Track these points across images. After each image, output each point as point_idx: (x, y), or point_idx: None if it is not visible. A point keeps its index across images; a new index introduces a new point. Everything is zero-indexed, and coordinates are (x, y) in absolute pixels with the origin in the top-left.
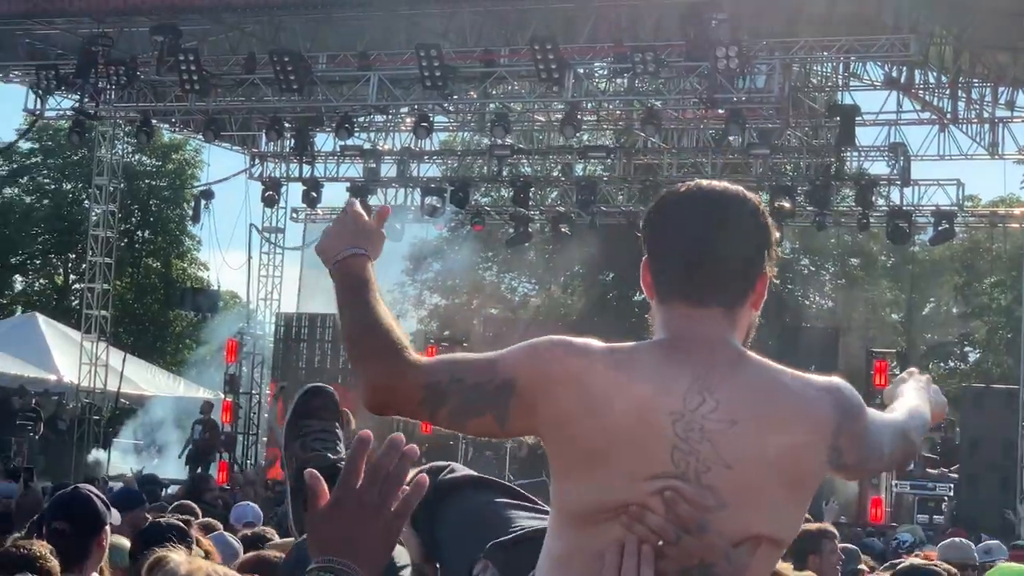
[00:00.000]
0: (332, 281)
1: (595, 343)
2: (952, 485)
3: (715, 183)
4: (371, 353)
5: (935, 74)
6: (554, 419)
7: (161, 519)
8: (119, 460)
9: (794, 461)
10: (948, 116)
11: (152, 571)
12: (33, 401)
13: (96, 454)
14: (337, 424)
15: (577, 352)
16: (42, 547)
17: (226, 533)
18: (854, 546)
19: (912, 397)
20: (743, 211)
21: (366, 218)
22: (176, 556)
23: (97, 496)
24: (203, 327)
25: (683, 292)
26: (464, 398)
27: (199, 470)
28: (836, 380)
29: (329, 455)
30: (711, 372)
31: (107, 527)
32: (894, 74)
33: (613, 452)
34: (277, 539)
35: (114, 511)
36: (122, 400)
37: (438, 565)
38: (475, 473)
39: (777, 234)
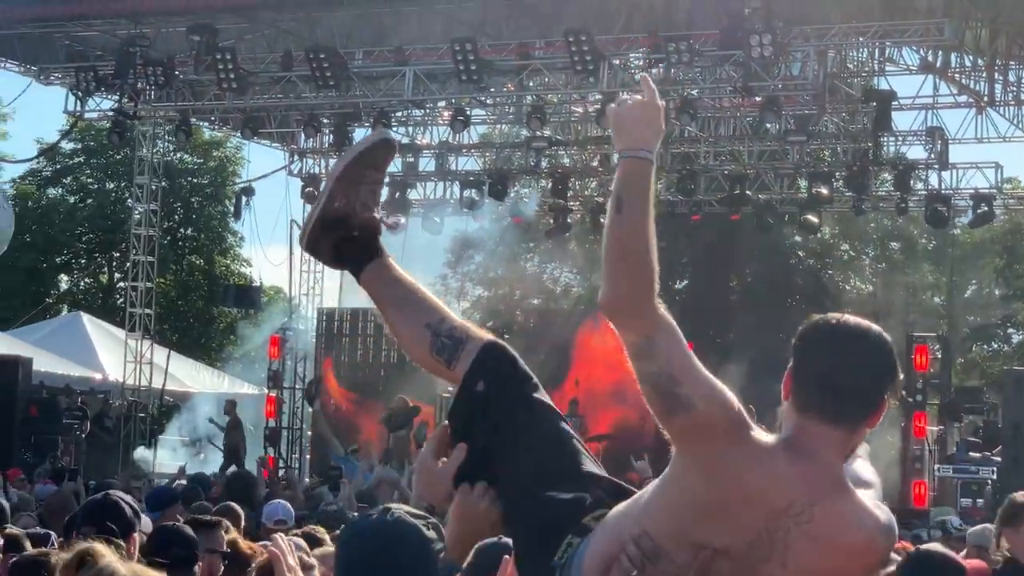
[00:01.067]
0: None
1: (754, 430)
2: (995, 468)
3: (862, 321)
4: (638, 272)
5: (971, 57)
6: (702, 459)
7: (169, 524)
8: (165, 457)
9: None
10: (985, 99)
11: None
12: (79, 400)
13: (142, 452)
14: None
15: (744, 423)
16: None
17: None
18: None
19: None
20: (879, 349)
21: (662, 112)
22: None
23: (127, 503)
24: (246, 323)
25: (820, 409)
26: (660, 381)
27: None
28: (891, 519)
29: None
30: (820, 490)
31: (135, 534)
32: (930, 58)
33: (718, 517)
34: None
35: (145, 518)
36: (167, 397)
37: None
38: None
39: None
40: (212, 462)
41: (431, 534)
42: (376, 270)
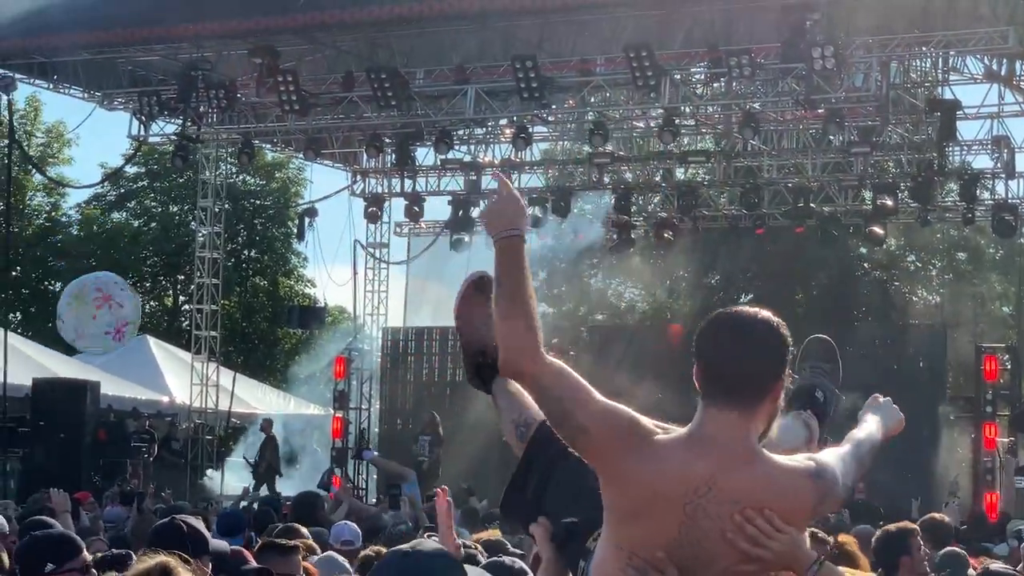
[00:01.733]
0: (495, 250)
1: (650, 429)
2: None
3: (751, 312)
4: (517, 322)
5: None
6: (610, 472)
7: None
8: (232, 479)
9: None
10: None
11: None
12: (147, 423)
13: (210, 475)
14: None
15: (636, 431)
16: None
17: (334, 554)
18: (962, 550)
19: (868, 424)
20: (763, 337)
21: (520, 200)
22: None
23: (190, 526)
24: (311, 344)
25: (714, 396)
26: (557, 417)
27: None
28: (815, 467)
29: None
30: (720, 467)
31: (203, 556)
32: (994, 67)
33: (643, 517)
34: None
35: (219, 542)
36: (233, 419)
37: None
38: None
39: (791, 349)
40: (279, 484)
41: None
42: (500, 384)
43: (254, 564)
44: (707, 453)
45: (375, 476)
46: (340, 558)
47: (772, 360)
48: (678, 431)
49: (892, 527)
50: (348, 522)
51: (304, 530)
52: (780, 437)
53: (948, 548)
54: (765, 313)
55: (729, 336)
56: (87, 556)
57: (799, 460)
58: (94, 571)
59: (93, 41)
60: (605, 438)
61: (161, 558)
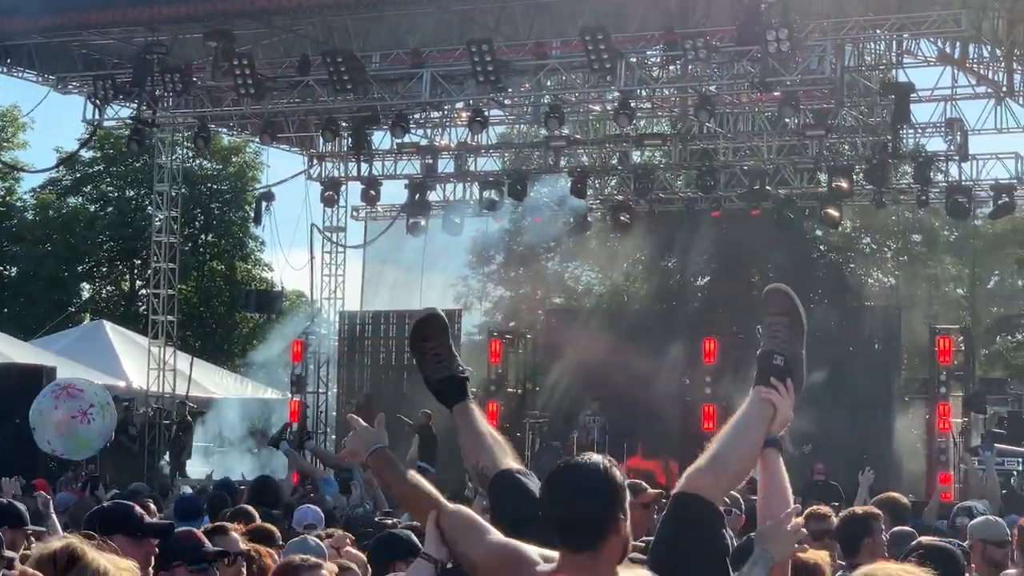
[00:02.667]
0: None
1: (536, 564)
2: (1021, 460)
3: (577, 460)
4: (416, 508)
5: (989, 47)
6: None
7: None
8: (190, 463)
9: None
10: (1004, 89)
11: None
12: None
13: (167, 459)
14: (449, 342)
15: (520, 565)
16: None
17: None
18: (911, 528)
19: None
20: (588, 482)
21: (369, 428)
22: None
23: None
24: (269, 328)
25: (560, 543)
26: (459, 557)
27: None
28: None
29: (447, 367)
30: None
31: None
32: (947, 49)
33: None
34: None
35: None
36: (191, 403)
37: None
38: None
39: (627, 494)
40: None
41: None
42: (461, 410)
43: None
44: None
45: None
46: (312, 539)
47: (603, 504)
48: (548, 565)
49: (857, 510)
50: (311, 506)
51: (255, 513)
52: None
53: (897, 527)
54: (595, 459)
55: (560, 489)
56: None
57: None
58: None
59: (47, 24)
60: (491, 566)
61: (69, 540)
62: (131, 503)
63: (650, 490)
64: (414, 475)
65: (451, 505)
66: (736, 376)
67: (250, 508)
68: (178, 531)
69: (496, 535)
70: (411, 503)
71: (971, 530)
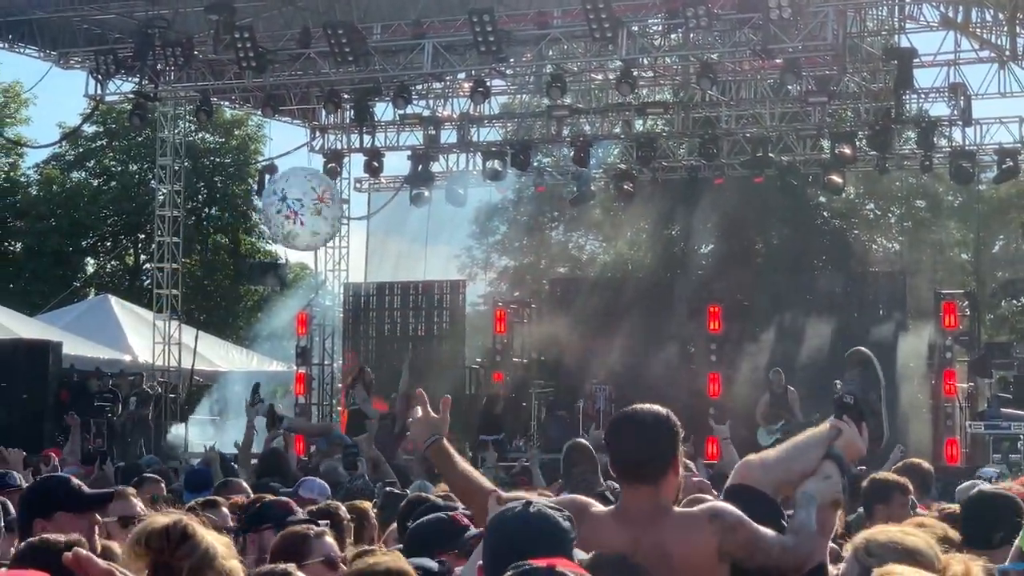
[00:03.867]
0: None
1: (594, 507)
2: None
3: (640, 408)
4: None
5: (991, 11)
6: None
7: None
8: (197, 436)
9: (692, 567)
10: (1007, 53)
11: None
12: (110, 383)
13: (175, 432)
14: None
15: (581, 513)
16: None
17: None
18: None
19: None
20: (650, 426)
21: (432, 414)
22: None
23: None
24: (274, 301)
25: (623, 478)
26: None
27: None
28: (711, 510)
29: None
30: (639, 532)
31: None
32: (950, 14)
33: None
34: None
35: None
36: (196, 377)
37: None
38: None
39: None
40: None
41: (567, 525)
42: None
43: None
44: (628, 523)
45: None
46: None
47: (663, 446)
48: (609, 508)
49: (882, 475)
50: (316, 479)
51: (244, 484)
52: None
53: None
54: (655, 409)
55: (627, 431)
56: None
57: (699, 508)
58: None
59: (48, 0)
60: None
61: (177, 516)
62: (68, 476)
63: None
64: (466, 467)
65: (506, 494)
66: (740, 343)
67: (237, 481)
68: (271, 500)
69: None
70: (465, 494)
71: None
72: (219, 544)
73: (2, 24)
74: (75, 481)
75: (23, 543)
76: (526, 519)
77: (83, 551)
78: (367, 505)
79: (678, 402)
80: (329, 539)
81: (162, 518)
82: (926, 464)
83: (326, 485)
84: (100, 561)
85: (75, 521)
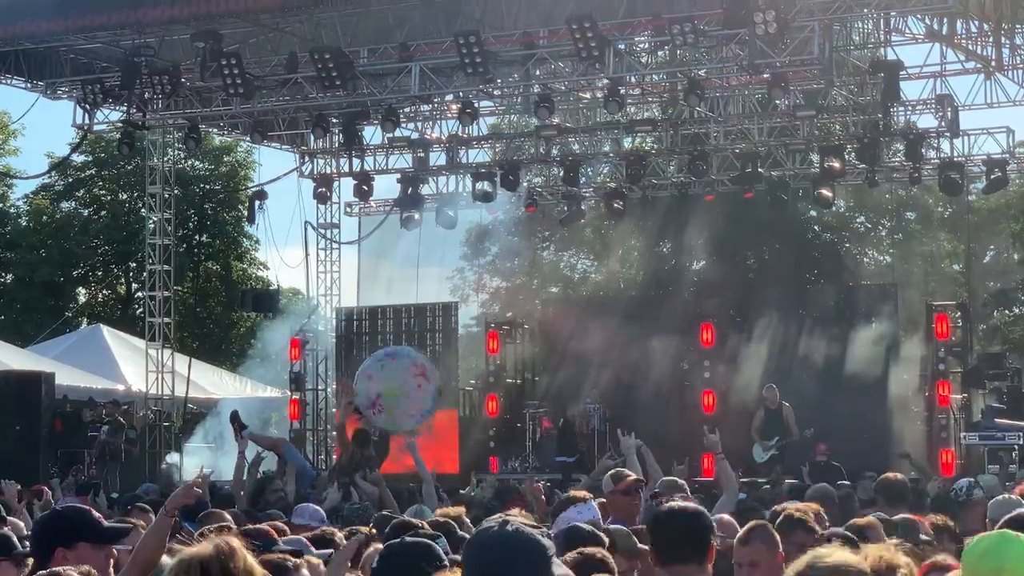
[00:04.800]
0: None
1: None
2: (1021, 434)
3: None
4: None
5: (977, 23)
6: None
7: None
8: (192, 465)
9: None
10: (993, 64)
11: None
12: (103, 412)
13: (169, 460)
14: None
15: None
16: None
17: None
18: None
19: None
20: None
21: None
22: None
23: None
24: (266, 327)
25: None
26: None
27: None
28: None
29: None
30: None
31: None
32: (935, 26)
33: None
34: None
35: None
36: (190, 405)
37: None
38: None
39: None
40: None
41: (548, 542)
42: None
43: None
44: None
45: (334, 457)
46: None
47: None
48: None
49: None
50: (311, 504)
51: (226, 515)
52: None
53: (902, 515)
54: (692, 506)
55: (671, 525)
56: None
57: None
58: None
59: (34, 31)
60: None
61: (221, 544)
62: (88, 508)
63: (629, 477)
64: None
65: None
66: (734, 359)
67: (220, 512)
68: (254, 528)
69: None
70: None
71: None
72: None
73: None
74: (95, 513)
75: (42, 572)
76: (503, 538)
77: None
78: (364, 530)
79: (672, 420)
80: (305, 572)
81: (207, 548)
82: (900, 476)
83: (320, 510)
84: None
85: (95, 553)
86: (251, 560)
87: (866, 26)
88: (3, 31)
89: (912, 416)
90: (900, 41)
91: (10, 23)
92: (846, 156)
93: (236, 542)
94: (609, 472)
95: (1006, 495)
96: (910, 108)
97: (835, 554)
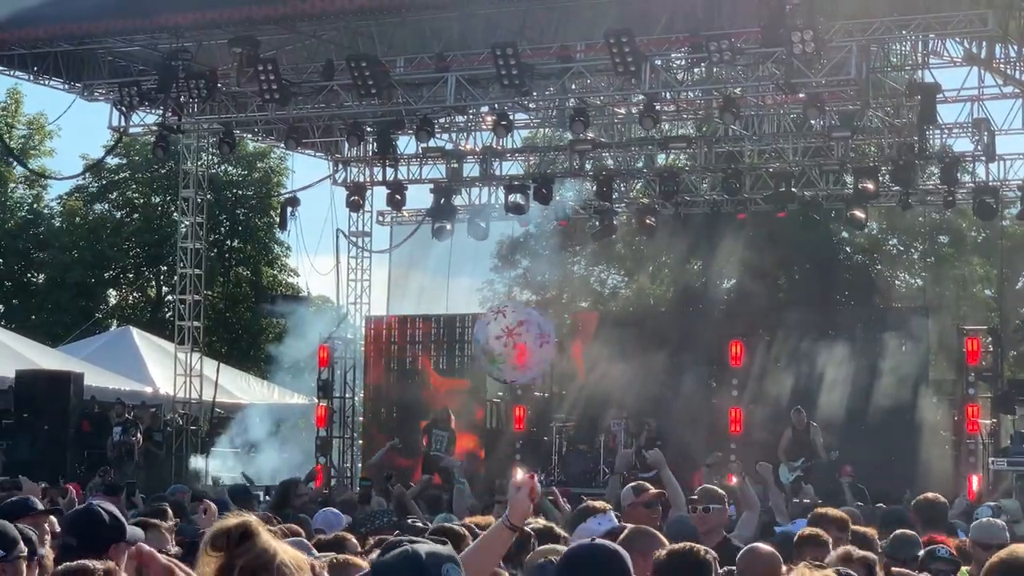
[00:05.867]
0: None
1: None
2: None
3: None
4: None
5: (1015, 47)
6: None
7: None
8: (218, 469)
9: None
10: None
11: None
12: (126, 414)
13: (196, 464)
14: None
15: None
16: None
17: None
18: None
19: None
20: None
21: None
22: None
23: (109, 513)
24: (295, 333)
25: None
26: None
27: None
28: None
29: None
30: None
31: (120, 543)
32: (974, 50)
33: None
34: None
35: (137, 529)
36: (218, 409)
37: None
38: None
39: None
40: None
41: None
42: None
43: None
44: None
45: (359, 465)
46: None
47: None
48: None
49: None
50: (332, 509)
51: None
52: None
53: (898, 531)
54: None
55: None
56: (23, 548)
57: None
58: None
59: (73, 32)
60: None
61: (243, 518)
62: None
63: (651, 490)
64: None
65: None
66: (762, 378)
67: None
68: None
69: None
70: None
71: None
72: (288, 555)
73: (27, 56)
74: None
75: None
76: (592, 551)
77: (146, 547)
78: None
79: (699, 438)
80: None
81: (231, 519)
82: (940, 498)
83: (339, 517)
84: (161, 557)
85: (124, 551)
86: (274, 542)
87: (904, 48)
88: (43, 31)
89: (940, 440)
90: (938, 64)
91: (48, 24)
92: (880, 178)
93: (257, 522)
94: (631, 484)
95: (988, 519)
96: (946, 131)
97: None
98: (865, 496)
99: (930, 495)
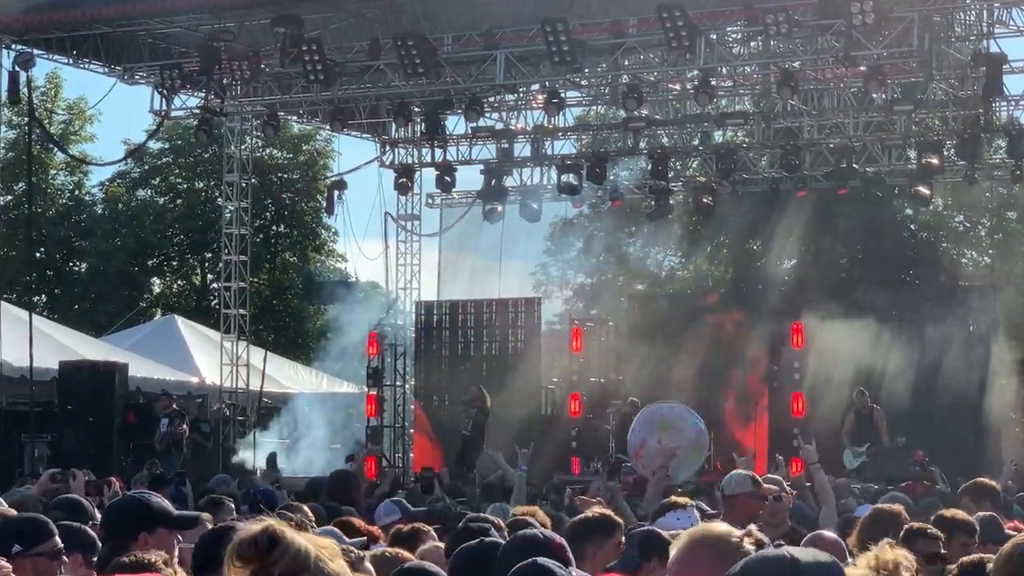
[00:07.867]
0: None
1: None
2: None
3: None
4: None
5: None
6: None
7: None
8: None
9: None
10: None
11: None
12: (171, 405)
13: (242, 455)
14: None
15: None
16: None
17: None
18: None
19: None
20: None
21: None
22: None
23: (141, 501)
24: (344, 320)
25: None
26: None
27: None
28: None
29: None
30: None
31: (157, 530)
32: None
33: None
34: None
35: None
36: (265, 399)
37: None
38: None
39: None
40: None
41: None
42: None
43: None
44: None
45: (411, 454)
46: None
47: None
48: None
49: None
50: (391, 500)
51: (305, 508)
52: None
53: (984, 512)
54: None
55: None
56: (58, 541)
57: None
58: (65, 557)
59: (112, 15)
60: None
61: (265, 522)
62: (156, 494)
63: (772, 487)
64: None
65: None
66: (824, 360)
67: (299, 504)
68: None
69: None
70: None
71: None
72: (316, 545)
73: (66, 39)
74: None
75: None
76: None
77: None
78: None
79: (760, 422)
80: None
81: (252, 527)
82: (991, 482)
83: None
84: None
85: (169, 539)
86: (301, 538)
87: (968, 17)
88: (82, 14)
89: (1011, 422)
90: (1004, 33)
91: (88, 7)
92: (945, 152)
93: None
94: (749, 473)
95: None
96: (1013, 103)
97: None
98: (936, 478)
99: (980, 479)
